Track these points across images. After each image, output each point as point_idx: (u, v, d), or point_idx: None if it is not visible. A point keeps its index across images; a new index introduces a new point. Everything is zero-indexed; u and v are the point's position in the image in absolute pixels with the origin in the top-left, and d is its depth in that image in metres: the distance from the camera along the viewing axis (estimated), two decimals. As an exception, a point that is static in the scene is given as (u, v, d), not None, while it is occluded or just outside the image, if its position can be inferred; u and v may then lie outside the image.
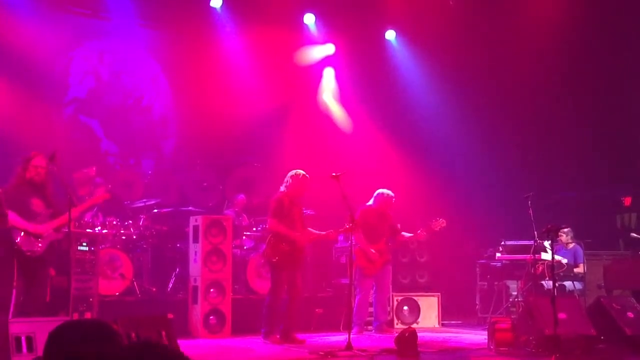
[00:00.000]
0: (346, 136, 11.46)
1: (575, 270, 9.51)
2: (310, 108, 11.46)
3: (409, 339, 7.11)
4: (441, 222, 8.92)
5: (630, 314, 7.83)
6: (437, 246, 10.49)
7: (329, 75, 11.67)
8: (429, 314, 9.74)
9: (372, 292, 9.02)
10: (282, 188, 7.97)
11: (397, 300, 9.59)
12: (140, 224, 9.22)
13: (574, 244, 9.66)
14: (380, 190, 9.06)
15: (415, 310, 9.67)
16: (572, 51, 10.76)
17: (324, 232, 8.16)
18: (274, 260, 7.81)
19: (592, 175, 11.19)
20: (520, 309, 8.60)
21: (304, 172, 7.99)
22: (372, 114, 11.32)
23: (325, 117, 11.58)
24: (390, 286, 9.27)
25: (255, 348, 7.55)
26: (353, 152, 11.06)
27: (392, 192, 9.02)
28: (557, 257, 8.60)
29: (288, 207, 7.87)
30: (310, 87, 11.57)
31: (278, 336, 7.88)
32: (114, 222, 8.94)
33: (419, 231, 9.02)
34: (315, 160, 10.09)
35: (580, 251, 9.62)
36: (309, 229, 8.14)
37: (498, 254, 9.46)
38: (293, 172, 8.00)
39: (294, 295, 7.93)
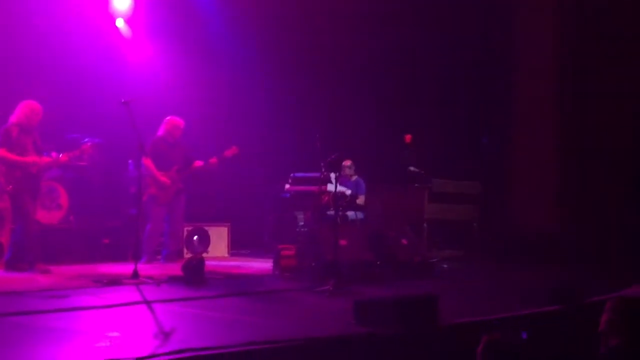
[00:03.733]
0: (141, 64, 10.99)
1: (358, 201, 9.93)
2: (102, 34, 10.82)
3: (196, 266, 7.11)
4: (233, 150, 8.99)
5: (404, 241, 8.38)
6: (229, 177, 10.57)
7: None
8: (218, 243, 9.85)
9: (163, 221, 8.94)
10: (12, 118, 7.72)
11: (187, 230, 9.56)
12: None
13: (356, 176, 10.06)
14: (168, 118, 9.01)
15: (205, 240, 9.72)
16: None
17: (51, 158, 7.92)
18: (9, 188, 7.57)
19: (378, 111, 11.70)
20: (306, 236, 8.89)
21: (34, 102, 7.75)
22: (168, 42, 10.94)
23: (118, 42, 10.99)
24: (183, 216, 9.20)
25: (37, 278, 7.19)
26: (146, 79, 10.64)
27: (184, 120, 8.97)
28: (341, 188, 8.92)
29: (17, 136, 7.62)
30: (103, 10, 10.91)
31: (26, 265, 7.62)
32: None
33: (211, 159, 9.00)
34: (107, 87, 9.67)
35: (362, 183, 10.03)
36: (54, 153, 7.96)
37: (287, 186, 9.65)
38: (24, 101, 7.75)
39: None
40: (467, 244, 10.13)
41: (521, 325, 5.41)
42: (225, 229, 9.97)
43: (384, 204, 9.79)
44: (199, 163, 9.06)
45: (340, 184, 9.10)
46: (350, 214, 9.41)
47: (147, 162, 8.53)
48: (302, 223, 9.89)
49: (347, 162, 9.92)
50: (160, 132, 8.99)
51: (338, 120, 11.24)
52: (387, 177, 10.61)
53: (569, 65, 10.71)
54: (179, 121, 9.01)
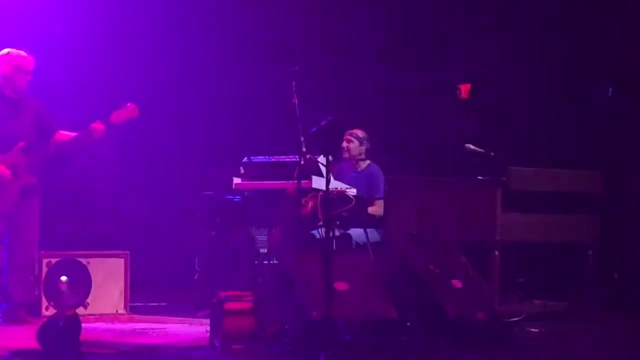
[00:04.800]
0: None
1: (370, 209, 9.89)
2: None
3: (63, 332, 7.06)
4: (129, 110, 9.01)
5: (456, 282, 8.32)
6: (127, 166, 10.79)
7: None
8: (109, 288, 9.88)
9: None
10: None
11: (47, 263, 9.53)
12: None
13: (368, 162, 10.02)
14: (5, 51, 9.10)
15: (82, 282, 9.67)
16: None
17: None
18: None
19: (409, 43, 11.79)
20: (272, 275, 8.86)
21: None
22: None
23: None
24: (37, 237, 9.22)
25: None
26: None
27: (36, 60, 9.12)
28: (338, 185, 8.91)
29: None
30: None
31: None
32: None
33: (91, 125, 8.99)
34: None
35: (380, 175, 9.99)
36: None
37: (237, 180, 9.59)
38: None
39: None
40: (576, 288, 10.11)
41: None
42: (121, 262, 9.97)
43: (419, 213, 9.76)
44: (65, 136, 9.03)
45: (338, 177, 9.12)
46: (357, 232, 9.40)
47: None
48: (264, 250, 9.87)
49: (354, 135, 9.88)
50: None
51: (336, 58, 11.34)
52: (426, 164, 10.62)
53: None
54: (24, 59, 9.09)
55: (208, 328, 8.10)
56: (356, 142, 9.94)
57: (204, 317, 8.66)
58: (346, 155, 9.90)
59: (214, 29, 12.05)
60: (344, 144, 9.89)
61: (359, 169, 10.00)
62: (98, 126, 9.00)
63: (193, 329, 8.88)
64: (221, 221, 10.38)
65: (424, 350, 7.75)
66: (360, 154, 10.00)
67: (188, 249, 10.71)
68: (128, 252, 10.03)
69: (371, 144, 10.10)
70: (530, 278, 10.03)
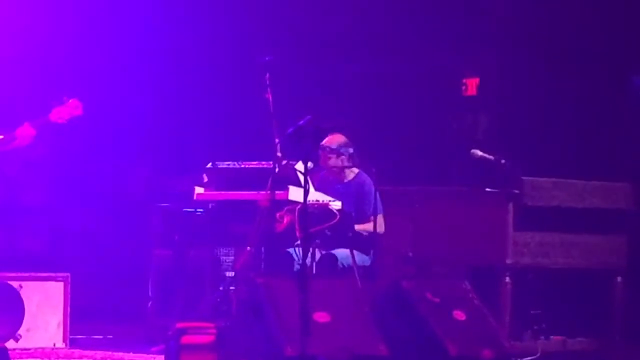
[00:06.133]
0: None
1: (359, 227, 9.85)
2: None
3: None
4: (72, 106, 8.98)
5: (458, 314, 8.31)
6: (73, 172, 10.87)
7: None
8: (45, 318, 9.82)
9: None
10: None
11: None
12: None
13: (357, 171, 9.98)
14: None
15: (15, 310, 9.64)
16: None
17: None
18: None
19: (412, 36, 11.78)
20: (240, 303, 8.88)
21: None
22: None
23: None
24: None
25: None
26: None
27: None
28: (321, 196, 8.94)
29: None
30: None
31: None
32: None
33: (20, 128, 8.93)
34: None
35: (371, 185, 9.94)
36: None
37: (199, 189, 9.59)
38: None
39: None
40: (601, 322, 10.11)
41: None
42: (60, 286, 9.90)
43: (415, 231, 9.77)
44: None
45: (320, 189, 9.14)
46: (343, 253, 9.39)
47: None
48: (230, 273, 9.86)
49: (327, 150, 9.86)
50: None
51: (315, 49, 11.36)
52: (424, 173, 10.66)
53: None
54: None
55: (161, 365, 8.10)
56: (332, 156, 9.82)
57: (158, 352, 8.66)
58: (327, 164, 9.78)
59: (170, 23, 12.11)
60: (321, 160, 9.78)
61: (346, 180, 9.89)
62: (26, 131, 8.93)
63: (143, 366, 8.84)
64: (180, 238, 10.36)
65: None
66: (344, 161, 9.90)
67: (140, 271, 10.68)
68: (68, 274, 9.98)
69: (354, 147, 9.98)
70: (547, 310, 10.01)
